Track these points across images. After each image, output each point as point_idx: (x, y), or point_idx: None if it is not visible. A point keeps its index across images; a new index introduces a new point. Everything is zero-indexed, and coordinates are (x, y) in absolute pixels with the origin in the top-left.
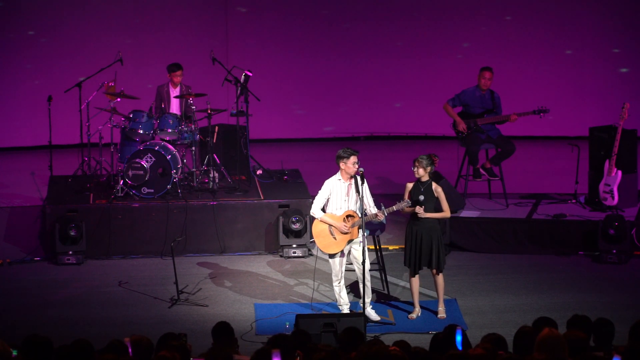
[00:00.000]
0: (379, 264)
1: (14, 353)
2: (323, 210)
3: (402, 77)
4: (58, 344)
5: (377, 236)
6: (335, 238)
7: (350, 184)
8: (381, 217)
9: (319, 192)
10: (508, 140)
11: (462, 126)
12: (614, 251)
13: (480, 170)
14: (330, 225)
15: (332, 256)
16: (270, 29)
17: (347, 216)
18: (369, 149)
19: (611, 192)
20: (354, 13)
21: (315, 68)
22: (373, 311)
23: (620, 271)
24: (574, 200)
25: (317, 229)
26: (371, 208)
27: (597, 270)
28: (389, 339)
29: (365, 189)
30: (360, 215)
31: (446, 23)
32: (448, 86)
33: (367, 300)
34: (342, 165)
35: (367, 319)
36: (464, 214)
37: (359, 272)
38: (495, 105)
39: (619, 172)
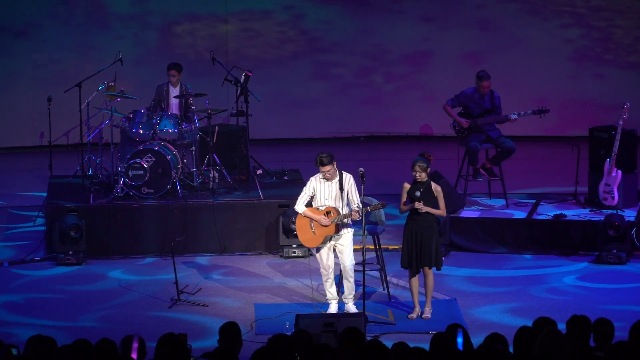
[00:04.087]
0: (379, 264)
1: (14, 352)
2: (310, 205)
3: (402, 76)
4: (58, 344)
5: (377, 236)
6: (314, 233)
7: (333, 183)
8: (356, 217)
9: (304, 188)
10: (508, 140)
11: (464, 124)
12: (614, 251)
13: (480, 170)
14: (310, 219)
15: (317, 250)
16: (270, 29)
17: (327, 212)
18: (369, 149)
19: (611, 192)
20: (354, 13)
21: (316, 68)
22: (354, 307)
23: (620, 271)
24: (574, 200)
25: (299, 222)
26: (355, 207)
27: (597, 270)
28: (389, 339)
29: (352, 188)
30: (339, 212)
31: (446, 22)
32: (448, 86)
33: (350, 296)
34: None
35: (366, 319)
36: (464, 214)
37: (343, 268)
38: (495, 106)
39: (619, 172)
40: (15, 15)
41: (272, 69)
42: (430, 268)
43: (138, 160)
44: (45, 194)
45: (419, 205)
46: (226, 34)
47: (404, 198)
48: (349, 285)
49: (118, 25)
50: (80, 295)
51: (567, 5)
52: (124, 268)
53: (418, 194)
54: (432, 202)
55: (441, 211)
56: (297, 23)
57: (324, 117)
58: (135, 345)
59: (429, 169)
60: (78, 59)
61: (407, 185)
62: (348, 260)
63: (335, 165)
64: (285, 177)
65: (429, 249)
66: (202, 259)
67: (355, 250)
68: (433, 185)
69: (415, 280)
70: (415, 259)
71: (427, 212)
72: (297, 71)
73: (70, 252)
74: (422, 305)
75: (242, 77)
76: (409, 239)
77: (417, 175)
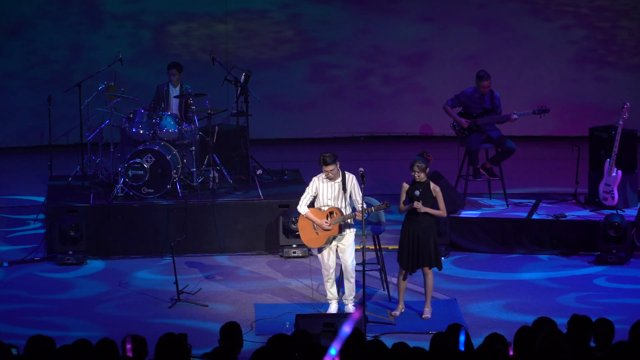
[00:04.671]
0: (379, 264)
1: (14, 352)
2: (312, 205)
3: (402, 76)
4: (58, 344)
5: (377, 236)
6: (317, 233)
7: (336, 183)
8: (359, 217)
9: (306, 188)
10: (508, 140)
11: (464, 124)
12: (614, 251)
13: (480, 170)
14: (313, 221)
15: (319, 250)
16: (270, 29)
17: (330, 213)
18: (369, 149)
19: (611, 192)
20: (354, 13)
21: (315, 67)
22: (354, 308)
23: (620, 271)
24: (574, 200)
25: (301, 223)
26: (359, 207)
27: (597, 270)
28: (389, 339)
29: (355, 188)
30: (342, 213)
31: (445, 23)
32: (448, 86)
33: (350, 297)
34: None
35: (366, 319)
36: (464, 214)
37: (344, 268)
38: (495, 105)
39: (619, 172)
40: (8, 13)
41: (272, 68)
42: (430, 268)
43: (138, 160)
44: (45, 194)
45: (417, 205)
46: (225, 34)
47: (403, 198)
48: (349, 286)
49: (112, 25)
50: (79, 295)
51: (569, 5)
52: (123, 268)
53: (417, 193)
54: (431, 202)
55: (441, 212)
56: (297, 22)
57: (324, 117)
58: (128, 346)
59: (428, 169)
60: (71, 58)
61: (405, 185)
62: (350, 260)
63: (338, 165)
64: (285, 177)
65: (428, 249)
66: (202, 259)
67: (355, 250)
68: (432, 185)
69: (404, 279)
70: (412, 259)
71: (425, 213)
72: (297, 71)
73: (70, 252)
74: (421, 305)
75: (242, 77)
76: (407, 239)
77: (415, 175)
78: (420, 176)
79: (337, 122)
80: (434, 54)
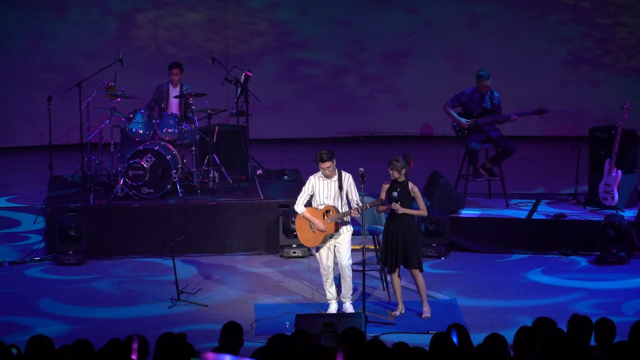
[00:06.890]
0: (379, 264)
1: (14, 352)
2: (310, 204)
3: (402, 76)
4: (59, 344)
5: (377, 236)
6: (314, 232)
7: (332, 182)
8: (355, 215)
9: (303, 187)
10: (508, 140)
11: (464, 124)
12: (614, 251)
13: (480, 170)
14: (310, 221)
15: (317, 249)
16: (270, 29)
17: (326, 211)
18: (369, 149)
19: (611, 192)
20: (354, 12)
21: (315, 67)
22: (351, 307)
23: (620, 271)
24: (574, 200)
25: (299, 222)
26: (354, 205)
27: (597, 270)
28: (389, 339)
29: (351, 187)
30: (338, 210)
31: (445, 22)
32: (448, 86)
33: (347, 295)
34: None
35: (366, 319)
36: (464, 214)
37: (340, 267)
38: (495, 105)
39: (619, 172)
40: (15, 14)
41: (272, 68)
42: (414, 269)
43: (138, 160)
44: (45, 195)
45: (395, 206)
46: (226, 33)
47: (382, 197)
48: (346, 285)
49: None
50: (80, 295)
51: (568, 4)
52: (124, 268)
53: (395, 194)
54: (409, 202)
55: (420, 211)
56: (297, 22)
57: (324, 117)
58: (135, 345)
59: (405, 170)
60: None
61: (385, 186)
62: (345, 258)
63: (334, 163)
64: (285, 177)
65: (409, 250)
66: (202, 259)
67: (355, 250)
68: (410, 185)
69: (396, 278)
70: (392, 257)
71: (404, 213)
72: (297, 71)
73: (70, 252)
74: (419, 305)
75: (242, 77)
76: (387, 238)
77: (391, 173)
78: (395, 175)
79: (337, 122)
80: (433, 53)
